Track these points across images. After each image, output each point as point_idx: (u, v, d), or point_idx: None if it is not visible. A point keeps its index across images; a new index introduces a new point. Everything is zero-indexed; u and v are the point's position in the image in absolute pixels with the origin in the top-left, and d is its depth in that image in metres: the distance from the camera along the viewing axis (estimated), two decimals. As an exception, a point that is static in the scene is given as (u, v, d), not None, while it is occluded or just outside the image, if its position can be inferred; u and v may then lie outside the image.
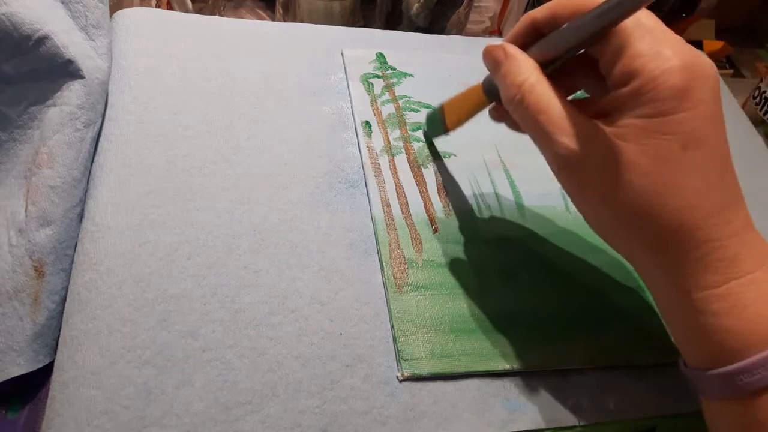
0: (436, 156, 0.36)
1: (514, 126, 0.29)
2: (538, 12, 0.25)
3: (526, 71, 0.24)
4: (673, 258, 0.23)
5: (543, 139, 0.24)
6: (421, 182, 0.35)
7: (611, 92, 0.23)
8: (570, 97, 0.26)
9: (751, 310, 0.22)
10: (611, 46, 0.23)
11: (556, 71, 0.25)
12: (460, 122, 0.33)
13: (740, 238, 0.22)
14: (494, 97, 0.28)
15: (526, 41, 0.26)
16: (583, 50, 0.25)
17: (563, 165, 0.23)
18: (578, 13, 0.23)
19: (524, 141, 0.26)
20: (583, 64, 0.26)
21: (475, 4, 0.51)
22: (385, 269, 0.30)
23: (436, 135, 0.36)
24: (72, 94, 0.31)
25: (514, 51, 0.25)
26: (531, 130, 0.24)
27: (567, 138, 0.23)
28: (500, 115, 0.29)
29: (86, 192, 0.30)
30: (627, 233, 0.24)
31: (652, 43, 0.22)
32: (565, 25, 0.23)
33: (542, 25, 0.25)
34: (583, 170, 0.23)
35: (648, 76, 0.21)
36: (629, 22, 0.22)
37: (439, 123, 0.34)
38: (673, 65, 0.21)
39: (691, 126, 0.21)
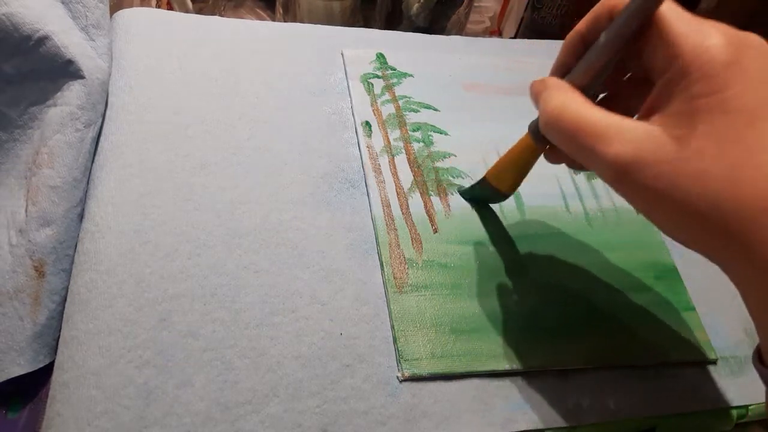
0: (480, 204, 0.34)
1: (572, 163, 0.27)
2: (581, 24, 0.24)
3: (561, 94, 0.23)
4: (765, 247, 0.19)
5: (589, 155, 0.22)
6: (421, 182, 0.35)
7: (656, 83, 0.21)
8: None
9: None
10: (651, 37, 0.21)
11: (609, 100, 0.24)
12: (515, 181, 0.31)
13: None
14: (543, 140, 0.26)
15: (577, 58, 0.25)
16: (633, 71, 0.24)
17: (618, 174, 0.21)
18: (615, 10, 0.22)
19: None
20: (635, 86, 0.25)
21: (475, 4, 0.51)
22: (385, 269, 0.30)
23: (490, 202, 0.34)
24: (72, 94, 0.31)
25: (552, 81, 0.24)
26: (575, 150, 0.22)
27: (615, 145, 0.21)
28: (555, 156, 0.28)
29: (86, 192, 0.30)
30: (709, 231, 0.21)
31: (691, 23, 0.21)
32: (602, 34, 0.23)
33: (588, 34, 0.24)
34: (641, 173, 0.21)
35: (692, 53, 0.20)
36: (664, 12, 0.21)
37: (488, 192, 0.33)
38: (717, 40, 0.20)
39: (751, 101, 0.19)
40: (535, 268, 0.32)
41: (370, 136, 0.36)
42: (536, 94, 0.24)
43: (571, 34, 0.25)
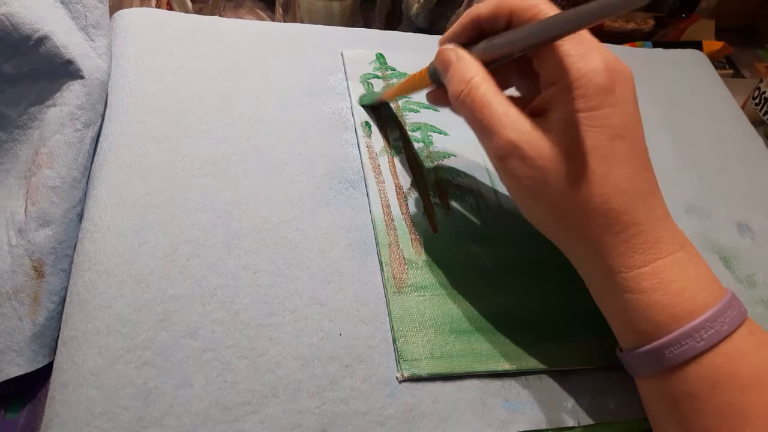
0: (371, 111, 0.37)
1: (450, 107, 0.31)
2: (483, 8, 0.27)
3: (474, 71, 0.26)
4: (603, 241, 0.25)
5: (485, 131, 0.26)
6: (420, 182, 0.35)
7: (543, 91, 0.25)
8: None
9: (675, 286, 0.24)
10: (544, 50, 0.25)
11: (493, 69, 0.27)
12: (396, 95, 0.35)
13: (662, 223, 0.25)
14: (437, 83, 0.30)
15: (469, 36, 0.27)
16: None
17: (503, 156, 0.25)
18: (515, 14, 0.25)
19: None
20: (518, 65, 0.29)
21: (475, 4, 0.51)
22: (385, 269, 0.30)
23: (369, 102, 0.37)
24: (72, 94, 0.31)
25: (464, 54, 0.27)
26: (474, 123, 0.26)
27: (507, 131, 0.25)
28: (435, 98, 0.31)
29: (86, 192, 0.30)
30: (559, 220, 0.26)
31: (580, 46, 0.24)
32: (512, 32, 0.25)
33: (484, 22, 0.27)
34: (521, 162, 0.25)
35: (576, 74, 0.24)
36: None
37: (375, 95, 0.37)
38: (598, 65, 0.24)
39: (617, 120, 0.24)
40: (535, 269, 0.32)
41: (369, 136, 0.36)
42: (446, 61, 0.27)
43: (470, 13, 0.27)
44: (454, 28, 0.28)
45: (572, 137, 0.24)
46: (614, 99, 0.24)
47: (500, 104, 0.25)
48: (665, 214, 0.25)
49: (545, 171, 0.24)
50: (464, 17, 0.28)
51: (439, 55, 0.28)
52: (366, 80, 0.39)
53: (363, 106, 0.37)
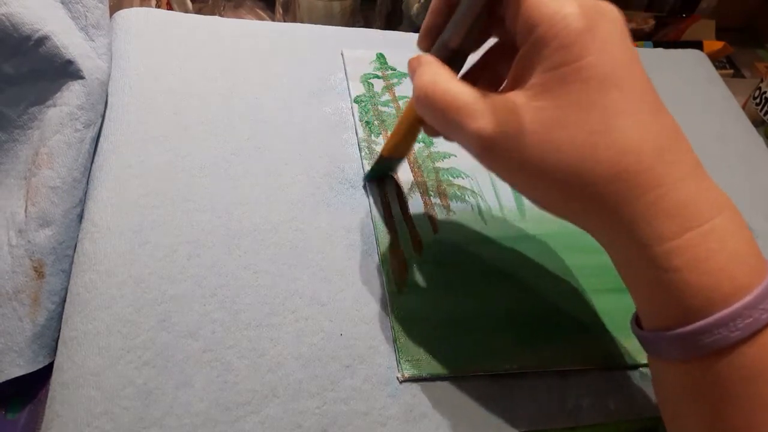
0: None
1: (447, 138, 0.27)
2: None
3: (431, 70, 0.23)
4: (624, 210, 0.21)
5: (457, 130, 0.22)
6: (421, 182, 0.35)
7: (519, 52, 0.22)
8: None
9: (712, 264, 0.20)
10: (511, 4, 0.21)
11: (481, 66, 0.25)
12: (409, 145, 0.31)
13: (690, 182, 0.21)
14: None
15: (443, 20, 0.24)
16: (500, 37, 0.24)
17: (483, 149, 0.22)
18: None
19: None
20: (503, 53, 0.25)
21: None
22: (386, 269, 0.30)
23: (391, 171, 0.34)
24: (72, 94, 0.31)
25: (426, 58, 0.24)
26: (444, 126, 0.23)
27: (480, 120, 0.21)
28: (431, 129, 0.28)
29: (86, 192, 0.30)
30: (571, 197, 0.22)
31: None
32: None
33: None
34: (505, 146, 0.21)
35: (548, 23, 0.20)
36: None
37: (388, 164, 0.33)
38: (572, 10, 0.20)
39: (604, 68, 0.20)
40: (536, 269, 0.32)
41: (370, 136, 0.36)
42: (411, 71, 0.24)
43: None
44: (427, 17, 0.25)
45: (559, 100, 0.20)
46: (596, 44, 0.20)
47: (466, 95, 0.22)
48: (694, 169, 0.21)
49: (537, 148, 0.21)
50: (432, 2, 0.25)
51: (408, 68, 0.25)
52: (366, 80, 0.39)
53: (369, 180, 0.34)
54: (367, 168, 0.34)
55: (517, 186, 0.24)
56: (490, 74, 0.25)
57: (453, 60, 0.24)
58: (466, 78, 0.26)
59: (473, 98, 0.22)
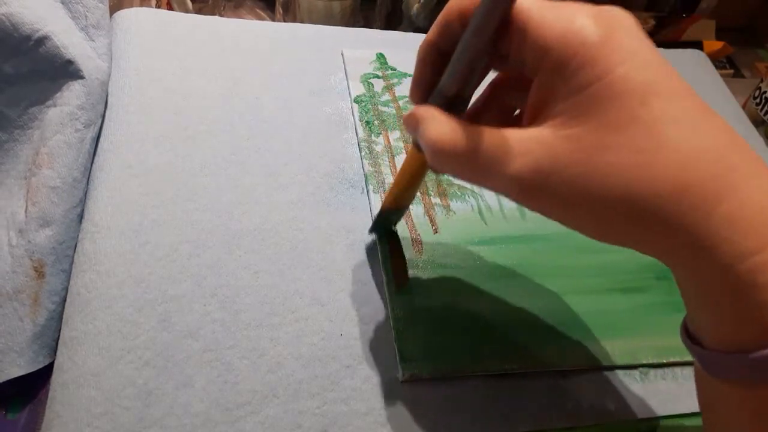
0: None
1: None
2: (432, 34, 0.22)
3: (438, 123, 0.20)
4: (698, 229, 0.18)
5: (489, 177, 0.20)
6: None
7: (534, 82, 0.20)
8: None
9: None
10: (514, 34, 0.20)
11: (484, 101, 0.23)
12: (414, 193, 0.29)
13: (761, 181, 0.18)
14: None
15: (434, 69, 0.22)
16: (503, 71, 0.22)
17: (523, 191, 0.20)
18: (465, 14, 0.20)
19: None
20: (510, 84, 0.24)
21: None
22: (385, 269, 0.30)
23: (397, 221, 0.32)
24: (72, 94, 0.31)
25: (422, 111, 0.21)
26: (472, 176, 0.21)
27: (513, 163, 0.19)
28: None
29: (86, 192, 0.30)
30: (629, 224, 0.19)
31: (551, 9, 0.19)
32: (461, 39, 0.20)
33: (442, 43, 0.22)
34: (547, 184, 0.19)
35: (561, 44, 0.18)
36: (521, 4, 0.19)
37: (393, 216, 0.31)
38: (583, 22, 0.18)
39: (638, 77, 0.18)
40: (535, 269, 0.32)
41: (370, 136, 0.36)
42: (413, 129, 0.22)
43: (424, 46, 0.22)
44: (414, 71, 0.23)
45: (594, 122, 0.18)
46: (624, 52, 0.18)
47: (486, 141, 0.19)
48: (761, 170, 0.18)
49: (583, 179, 0.18)
50: (420, 52, 0.23)
51: (404, 124, 0.23)
52: (366, 80, 0.39)
53: (377, 231, 0.32)
54: (368, 168, 0.34)
55: (569, 222, 0.21)
56: (497, 105, 0.23)
57: (454, 105, 0.22)
58: (470, 117, 0.25)
59: (499, 142, 0.19)
